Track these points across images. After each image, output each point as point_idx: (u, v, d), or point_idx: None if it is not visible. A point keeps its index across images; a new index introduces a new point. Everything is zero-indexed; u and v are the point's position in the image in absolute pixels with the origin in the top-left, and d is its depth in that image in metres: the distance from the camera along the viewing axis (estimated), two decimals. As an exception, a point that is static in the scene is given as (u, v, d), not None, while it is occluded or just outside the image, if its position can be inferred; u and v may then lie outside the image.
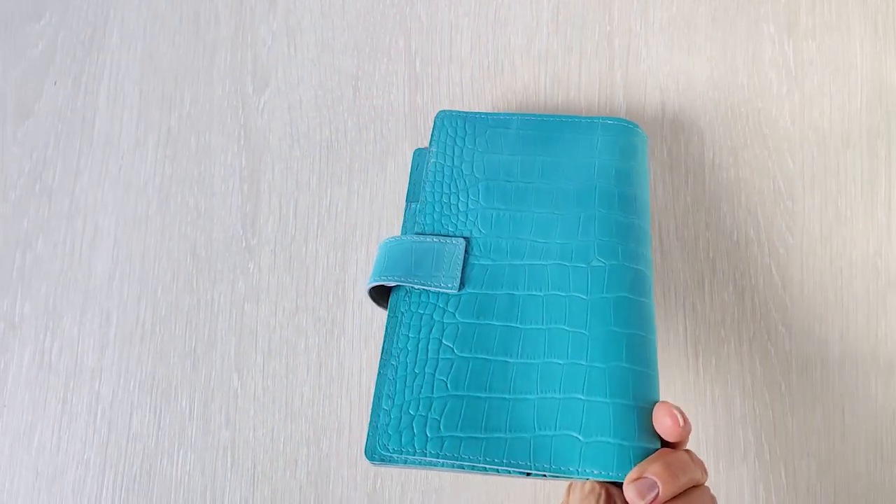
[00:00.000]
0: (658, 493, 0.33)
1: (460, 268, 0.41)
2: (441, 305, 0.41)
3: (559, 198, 0.43)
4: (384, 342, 0.41)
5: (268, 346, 0.49)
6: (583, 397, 0.38)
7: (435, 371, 0.39)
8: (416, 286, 0.40)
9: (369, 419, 0.39)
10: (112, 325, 0.50)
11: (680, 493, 0.34)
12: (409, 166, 0.47)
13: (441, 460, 0.37)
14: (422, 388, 0.39)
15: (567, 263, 0.41)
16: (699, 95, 0.51)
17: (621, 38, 0.52)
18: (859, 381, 0.49)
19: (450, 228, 0.43)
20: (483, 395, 0.39)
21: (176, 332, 0.50)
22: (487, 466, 0.37)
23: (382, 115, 0.51)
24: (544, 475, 0.37)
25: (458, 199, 0.44)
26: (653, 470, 0.34)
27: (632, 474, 0.35)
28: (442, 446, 0.37)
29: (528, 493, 0.48)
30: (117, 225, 0.51)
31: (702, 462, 0.36)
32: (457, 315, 0.40)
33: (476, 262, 0.42)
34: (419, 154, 0.47)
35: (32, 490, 0.49)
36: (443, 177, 0.44)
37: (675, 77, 0.52)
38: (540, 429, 0.37)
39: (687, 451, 0.37)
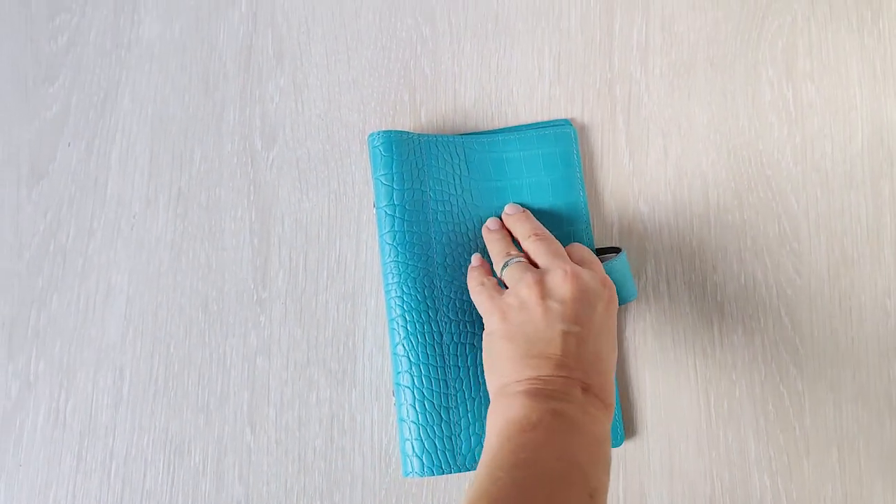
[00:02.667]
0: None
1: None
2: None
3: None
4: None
5: (280, 399, 0.50)
6: None
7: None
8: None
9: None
10: (126, 382, 0.50)
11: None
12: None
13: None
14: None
15: None
16: (701, 139, 0.52)
17: (622, 85, 0.53)
18: (874, 421, 0.49)
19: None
20: None
21: (189, 387, 0.50)
22: None
23: (389, 166, 0.52)
24: None
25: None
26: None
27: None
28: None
29: None
30: (130, 282, 0.51)
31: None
32: None
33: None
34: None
35: (47, 549, 0.49)
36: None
37: (677, 121, 0.52)
38: None
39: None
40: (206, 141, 0.53)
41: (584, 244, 0.49)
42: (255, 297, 0.51)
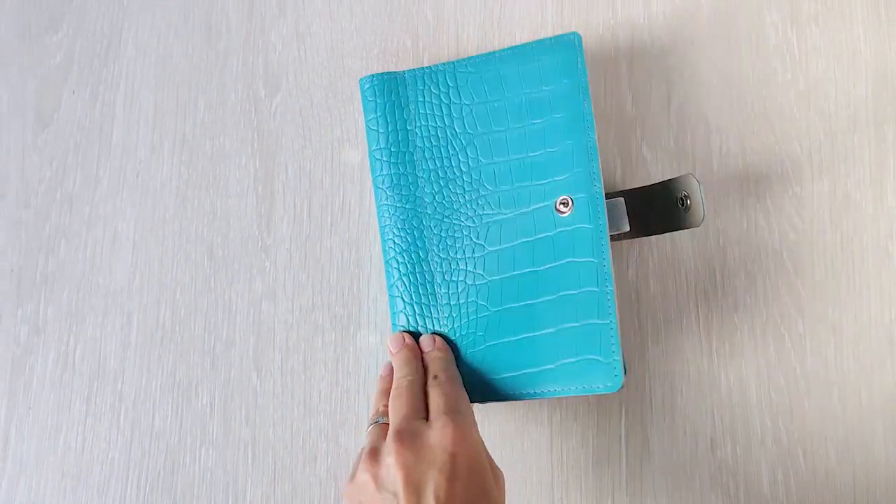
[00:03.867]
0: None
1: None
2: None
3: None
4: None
5: (285, 343, 0.50)
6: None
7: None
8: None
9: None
10: (133, 327, 0.51)
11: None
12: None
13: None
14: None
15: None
16: (704, 84, 0.52)
17: (625, 31, 0.53)
18: (875, 363, 0.49)
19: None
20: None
21: (195, 332, 0.51)
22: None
23: (392, 114, 0.52)
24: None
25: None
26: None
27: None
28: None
29: (546, 482, 0.49)
30: (136, 229, 0.52)
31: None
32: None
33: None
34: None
35: (58, 491, 0.50)
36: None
37: (680, 67, 0.52)
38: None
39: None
40: (209, 89, 0.53)
41: (590, 162, 0.46)
42: (259, 244, 0.51)
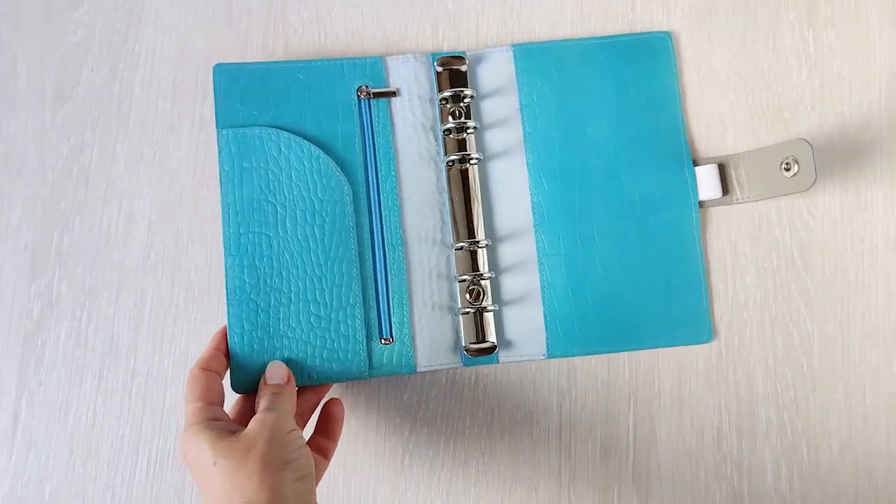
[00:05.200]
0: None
1: None
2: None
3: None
4: None
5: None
6: None
7: None
8: None
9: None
10: (147, 305, 0.51)
11: None
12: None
13: None
14: None
15: None
16: (719, 81, 0.52)
17: (644, 26, 0.53)
18: (880, 361, 0.50)
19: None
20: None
21: (209, 312, 0.51)
22: None
23: (410, 101, 0.53)
24: None
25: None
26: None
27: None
28: None
29: (554, 470, 0.49)
30: (152, 208, 0.52)
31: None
32: None
33: None
34: None
35: (67, 466, 0.50)
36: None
37: (697, 63, 0.53)
38: None
39: None
40: (228, 71, 0.53)
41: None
42: (275, 226, 0.52)
